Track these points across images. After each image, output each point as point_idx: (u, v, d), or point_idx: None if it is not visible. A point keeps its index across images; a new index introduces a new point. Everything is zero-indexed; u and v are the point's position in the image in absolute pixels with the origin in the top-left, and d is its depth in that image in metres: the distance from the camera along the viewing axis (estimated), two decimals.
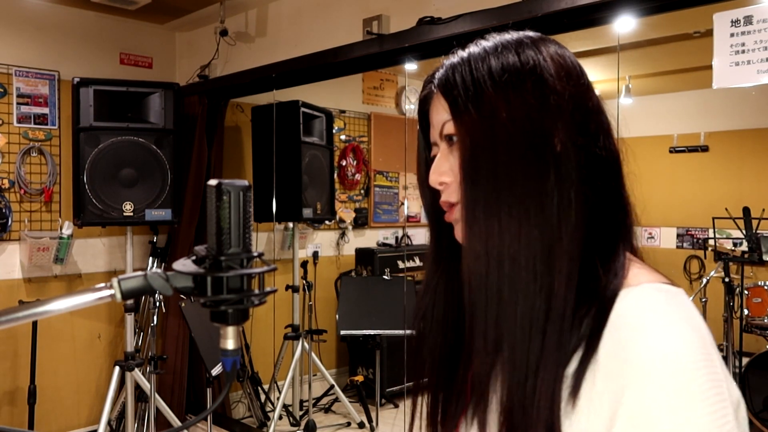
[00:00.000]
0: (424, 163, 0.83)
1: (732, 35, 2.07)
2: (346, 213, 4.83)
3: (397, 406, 4.41)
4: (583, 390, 0.65)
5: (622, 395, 0.62)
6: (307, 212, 3.96)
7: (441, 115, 0.77)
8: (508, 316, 0.69)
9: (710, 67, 2.12)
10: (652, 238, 4.76)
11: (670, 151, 4.63)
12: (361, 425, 4.12)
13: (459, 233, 0.77)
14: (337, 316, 3.84)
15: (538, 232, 0.68)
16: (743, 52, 2.05)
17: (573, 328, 0.67)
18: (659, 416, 0.59)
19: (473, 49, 0.76)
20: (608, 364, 0.64)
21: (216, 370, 2.94)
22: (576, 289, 0.68)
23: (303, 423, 4.07)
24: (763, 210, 3.61)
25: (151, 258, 4.08)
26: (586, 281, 0.69)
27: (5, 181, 3.57)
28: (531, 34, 0.77)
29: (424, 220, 0.88)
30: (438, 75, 0.78)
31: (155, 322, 3.31)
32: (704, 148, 4.49)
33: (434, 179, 0.77)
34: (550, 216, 0.69)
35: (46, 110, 3.72)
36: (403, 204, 5.18)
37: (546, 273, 0.68)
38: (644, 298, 0.67)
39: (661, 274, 0.72)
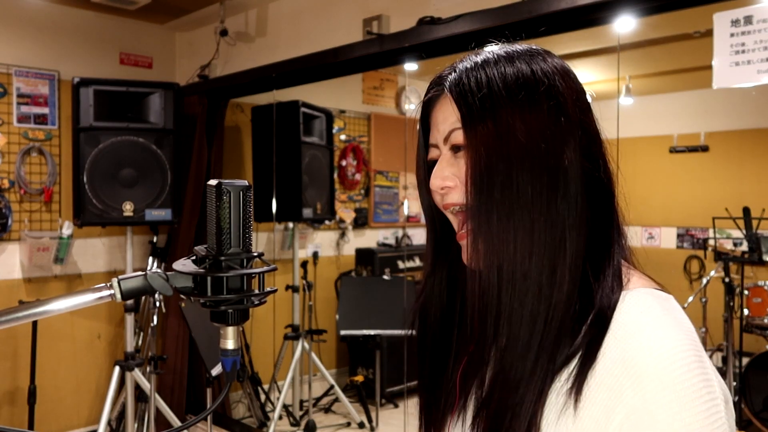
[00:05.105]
0: (424, 164, 0.83)
1: (732, 35, 2.07)
2: (346, 213, 4.82)
3: (397, 406, 4.41)
4: (585, 391, 0.67)
5: (621, 393, 0.64)
6: (307, 212, 3.96)
7: (449, 119, 0.76)
8: (513, 327, 0.71)
9: (710, 67, 2.12)
10: (652, 238, 4.75)
11: (670, 151, 4.63)
12: (361, 425, 4.11)
13: (467, 251, 0.76)
14: (337, 316, 3.84)
15: (546, 248, 0.71)
16: (743, 52, 2.05)
17: (568, 339, 0.70)
18: (657, 413, 0.62)
19: (486, 55, 0.76)
20: (607, 365, 0.67)
21: (216, 370, 2.93)
22: (576, 302, 0.71)
23: (303, 423, 4.07)
24: (763, 210, 3.60)
25: (151, 258, 4.07)
26: (584, 294, 0.72)
27: (5, 181, 3.57)
28: (535, 47, 0.78)
29: (424, 220, 0.88)
30: (451, 78, 0.76)
31: (155, 322, 3.31)
32: (704, 148, 4.48)
33: (437, 183, 0.77)
34: (557, 234, 0.71)
35: (46, 110, 3.72)
36: (403, 204, 5.17)
37: (549, 287, 0.70)
38: (639, 302, 0.70)
39: (654, 280, 0.76)
